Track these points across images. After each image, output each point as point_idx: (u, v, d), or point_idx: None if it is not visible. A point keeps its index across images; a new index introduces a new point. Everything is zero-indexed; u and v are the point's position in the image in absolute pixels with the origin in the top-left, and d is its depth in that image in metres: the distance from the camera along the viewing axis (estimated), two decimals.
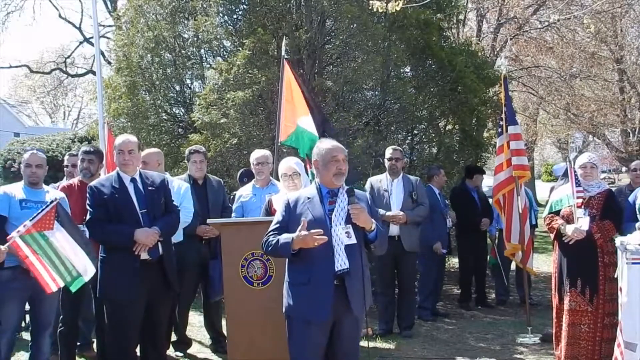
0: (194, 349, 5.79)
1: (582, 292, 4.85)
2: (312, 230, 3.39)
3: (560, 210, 5.08)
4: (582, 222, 4.87)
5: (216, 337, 5.81)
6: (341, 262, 3.44)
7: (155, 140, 8.15)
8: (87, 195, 4.41)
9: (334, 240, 3.46)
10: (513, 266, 7.94)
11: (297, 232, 3.42)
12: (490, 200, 8.10)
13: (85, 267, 4.24)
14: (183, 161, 7.45)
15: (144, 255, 4.34)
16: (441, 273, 7.62)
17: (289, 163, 4.58)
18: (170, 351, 5.47)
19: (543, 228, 6.53)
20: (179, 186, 5.33)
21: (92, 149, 5.41)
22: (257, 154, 5.53)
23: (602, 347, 4.78)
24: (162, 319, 4.64)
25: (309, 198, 3.60)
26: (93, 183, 4.50)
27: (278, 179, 5.03)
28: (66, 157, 6.28)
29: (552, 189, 8.57)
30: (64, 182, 5.58)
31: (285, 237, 3.49)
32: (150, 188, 4.49)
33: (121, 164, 4.49)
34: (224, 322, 5.48)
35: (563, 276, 4.98)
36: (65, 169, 6.17)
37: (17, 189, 4.56)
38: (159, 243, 4.41)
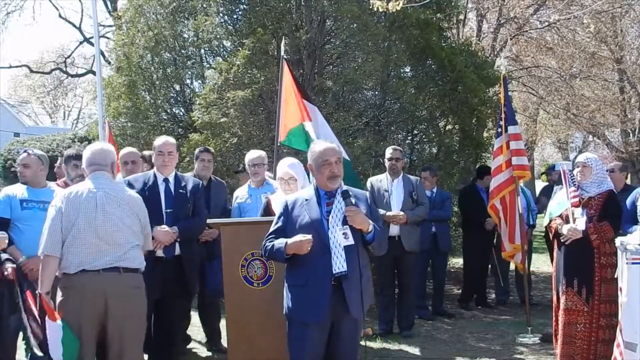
0: (193, 349, 5.78)
1: (579, 292, 4.85)
2: (305, 237, 3.39)
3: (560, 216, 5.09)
4: (579, 222, 4.87)
5: (211, 334, 5.84)
6: (339, 264, 3.41)
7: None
8: None
9: (332, 242, 3.44)
10: (512, 266, 7.94)
11: (292, 239, 3.42)
12: None
13: None
14: (183, 161, 7.45)
15: (159, 253, 4.45)
16: (440, 273, 7.58)
17: (285, 167, 4.46)
18: None
19: (542, 228, 6.54)
20: None
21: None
22: (252, 155, 5.50)
23: (597, 348, 4.78)
24: (175, 316, 4.73)
25: (306, 200, 3.58)
26: (128, 178, 4.67)
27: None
28: (60, 159, 6.28)
29: (543, 188, 8.58)
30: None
31: (279, 243, 3.50)
32: (180, 190, 4.62)
33: (160, 165, 4.63)
34: (222, 322, 5.47)
35: (560, 275, 4.99)
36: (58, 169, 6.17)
37: (19, 190, 4.58)
38: (177, 243, 4.52)
